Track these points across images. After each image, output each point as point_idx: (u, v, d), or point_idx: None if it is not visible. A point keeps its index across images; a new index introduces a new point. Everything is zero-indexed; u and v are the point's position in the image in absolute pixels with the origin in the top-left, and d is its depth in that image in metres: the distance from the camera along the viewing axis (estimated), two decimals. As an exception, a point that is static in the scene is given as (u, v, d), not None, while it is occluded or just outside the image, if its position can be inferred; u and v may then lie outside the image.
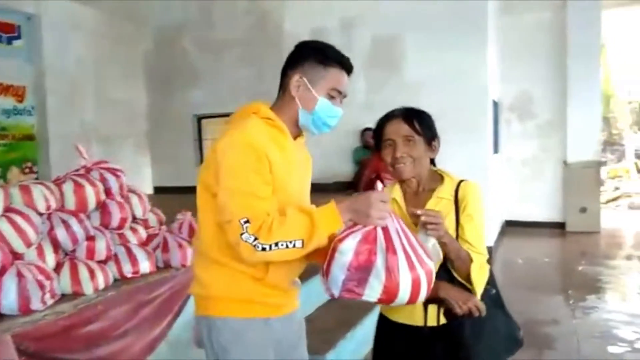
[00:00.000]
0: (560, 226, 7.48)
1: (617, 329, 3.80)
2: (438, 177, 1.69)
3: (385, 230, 1.36)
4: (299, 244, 1.34)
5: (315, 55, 1.54)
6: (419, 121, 1.63)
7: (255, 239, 1.33)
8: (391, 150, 1.62)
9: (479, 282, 1.56)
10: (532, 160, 7.74)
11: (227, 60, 7.61)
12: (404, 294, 1.34)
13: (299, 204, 1.47)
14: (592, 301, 4.48)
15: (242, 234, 1.33)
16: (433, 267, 1.40)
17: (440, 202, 1.62)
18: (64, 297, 2.04)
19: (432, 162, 1.73)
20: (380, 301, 1.35)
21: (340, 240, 1.37)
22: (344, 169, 6.33)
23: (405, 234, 1.38)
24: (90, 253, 2.25)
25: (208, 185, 1.47)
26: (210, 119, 8.05)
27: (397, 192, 1.68)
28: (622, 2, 8.21)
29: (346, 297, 1.37)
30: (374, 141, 1.72)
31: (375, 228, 1.36)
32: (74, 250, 2.22)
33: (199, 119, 8.10)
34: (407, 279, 1.32)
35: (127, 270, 2.34)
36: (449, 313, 1.58)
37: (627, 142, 11.82)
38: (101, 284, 2.17)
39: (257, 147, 1.41)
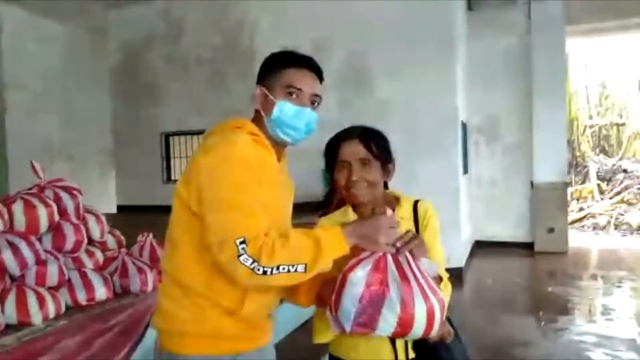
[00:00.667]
0: (528, 246, 7.55)
1: (589, 351, 3.78)
2: (392, 199, 1.62)
3: (395, 257, 1.29)
4: (301, 268, 1.24)
5: (270, 62, 1.48)
6: (376, 144, 1.54)
7: (255, 261, 1.20)
8: (346, 173, 1.53)
9: (447, 297, 1.49)
10: (500, 181, 7.84)
11: (195, 78, 7.48)
12: (419, 325, 1.25)
13: (281, 228, 1.36)
14: (563, 322, 4.47)
15: (239, 256, 1.21)
16: (443, 295, 1.33)
17: (402, 223, 1.51)
18: (7, 329, 1.85)
19: (386, 185, 1.66)
20: (394, 335, 1.28)
21: (351, 269, 1.28)
22: (315, 189, 6.24)
23: (413, 261, 1.31)
24: (41, 279, 2.07)
25: (186, 202, 1.34)
26: (177, 137, 7.86)
27: (351, 217, 1.58)
28: (585, 31, 8.50)
29: (358, 332, 1.28)
30: (325, 159, 1.60)
31: (385, 255, 1.28)
32: (22, 276, 2.05)
33: (167, 136, 7.91)
34: (422, 310, 1.25)
35: (82, 297, 2.17)
36: (418, 344, 1.50)
37: (590, 164, 12.13)
38: (52, 312, 2.00)
39: (251, 162, 1.31)
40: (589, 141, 12.99)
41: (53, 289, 2.10)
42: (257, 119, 1.47)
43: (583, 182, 11.92)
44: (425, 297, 1.25)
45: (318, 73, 1.50)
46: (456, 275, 5.79)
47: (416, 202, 1.61)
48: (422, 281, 1.28)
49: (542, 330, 4.31)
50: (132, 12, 7.62)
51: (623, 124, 13.00)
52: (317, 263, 1.25)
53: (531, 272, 6.71)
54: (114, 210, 7.65)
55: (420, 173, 5.91)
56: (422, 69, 6.04)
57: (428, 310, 1.25)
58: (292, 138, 1.46)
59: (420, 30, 6.04)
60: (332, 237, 1.28)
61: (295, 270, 1.23)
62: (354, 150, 1.52)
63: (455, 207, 6.04)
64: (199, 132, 6.83)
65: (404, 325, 1.24)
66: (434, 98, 6.04)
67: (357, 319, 1.26)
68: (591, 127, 13.13)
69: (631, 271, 6.34)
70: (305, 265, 1.24)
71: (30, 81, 7.15)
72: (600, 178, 11.79)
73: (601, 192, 11.43)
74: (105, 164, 8.39)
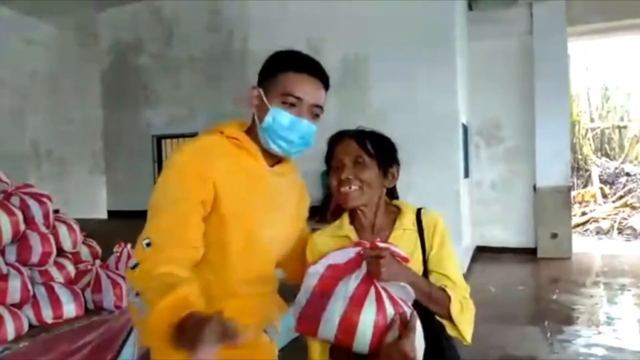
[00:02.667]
0: (531, 252, 7.34)
1: (598, 365, 3.58)
2: (394, 209, 1.45)
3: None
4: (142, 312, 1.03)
5: (270, 62, 1.31)
6: (373, 142, 1.38)
7: (136, 265, 1.09)
8: (338, 173, 1.36)
9: (464, 322, 1.32)
10: (502, 185, 7.64)
11: (187, 80, 7.29)
12: (363, 335, 1.09)
13: (270, 244, 1.28)
14: (570, 333, 4.27)
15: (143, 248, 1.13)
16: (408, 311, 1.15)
17: (404, 234, 1.37)
18: (-43, 354, 1.67)
19: (391, 194, 1.48)
20: (337, 341, 1.14)
21: (314, 262, 1.23)
22: (313, 194, 6.06)
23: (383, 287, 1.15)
24: (0, 295, 1.88)
25: None
26: (169, 140, 7.66)
27: (348, 229, 1.40)
28: (586, 32, 8.33)
29: (303, 331, 1.20)
30: (326, 166, 1.44)
31: (359, 257, 1.17)
32: (-22, 293, 1.85)
33: (159, 139, 7.71)
34: (370, 319, 1.09)
35: (47, 314, 1.98)
36: None
37: (592, 167, 11.95)
38: (11, 333, 1.81)
39: (188, 174, 1.18)
40: (590, 144, 12.82)
41: (15, 307, 1.91)
42: (254, 122, 1.35)
43: (585, 186, 11.73)
44: (380, 307, 1.10)
45: (323, 80, 1.33)
46: (457, 283, 5.61)
47: (419, 211, 1.43)
48: (383, 293, 1.12)
49: (547, 341, 4.10)
50: (122, 12, 7.44)
51: (625, 127, 12.81)
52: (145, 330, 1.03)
53: (534, 279, 6.50)
54: (104, 215, 7.44)
55: (419, 177, 5.71)
56: (421, 69, 5.85)
57: (377, 321, 1.09)
58: (283, 150, 1.31)
59: (420, 30, 5.86)
60: (160, 318, 0.99)
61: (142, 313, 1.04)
62: (346, 148, 1.37)
63: (456, 212, 5.84)
64: (191, 135, 6.61)
65: (346, 330, 1.10)
66: (433, 100, 5.85)
67: (303, 313, 1.17)
68: (593, 130, 12.95)
69: (637, 278, 6.14)
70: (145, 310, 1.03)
71: (19, 82, 6.96)
72: (603, 181, 11.61)
73: (604, 195, 11.24)
74: (95, 168, 8.18)
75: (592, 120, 13.16)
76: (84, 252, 2.44)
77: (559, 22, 7.16)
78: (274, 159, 1.36)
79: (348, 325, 1.09)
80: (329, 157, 1.40)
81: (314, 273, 1.19)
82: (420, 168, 5.73)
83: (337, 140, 1.40)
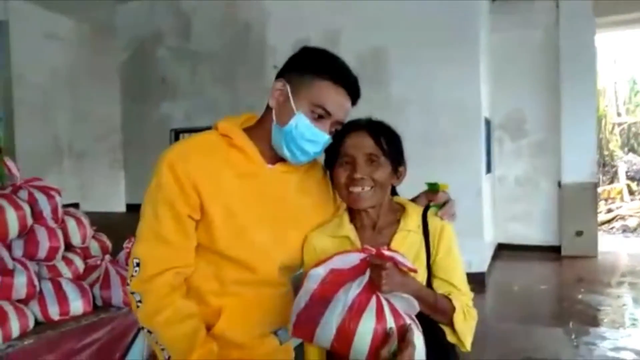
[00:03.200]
0: (555, 250, 7.13)
1: (626, 369, 3.43)
2: (398, 207, 1.35)
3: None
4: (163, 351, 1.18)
5: (307, 60, 1.22)
6: (388, 139, 1.27)
7: (139, 297, 1.16)
8: (349, 169, 1.25)
9: (465, 331, 1.25)
10: (526, 181, 7.43)
11: (205, 73, 7.23)
12: (360, 346, 1.04)
13: (269, 246, 1.23)
14: (595, 335, 4.11)
15: (130, 277, 1.17)
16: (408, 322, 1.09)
17: (408, 235, 1.28)
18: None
19: (394, 191, 1.39)
20: (332, 349, 1.08)
21: (315, 266, 1.15)
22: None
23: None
24: (6, 291, 1.84)
25: None
26: (188, 134, 7.65)
27: (348, 228, 1.30)
28: (613, 24, 8.05)
29: (298, 336, 1.16)
30: (326, 156, 1.33)
31: (367, 262, 1.10)
32: (-17, 289, 1.81)
33: (177, 133, 7.69)
34: (369, 329, 1.03)
35: (54, 311, 1.93)
36: None
37: (619, 163, 11.62)
38: (15, 330, 1.76)
39: (176, 172, 1.16)
40: (617, 140, 12.47)
41: (21, 302, 1.86)
42: (265, 118, 1.26)
43: (611, 182, 11.42)
44: (379, 318, 1.05)
45: (355, 96, 1.25)
46: (478, 281, 5.46)
47: (425, 210, 1.33)
48: (384, 303, 1.07)
49: (572, 343, 3.95)
50: (140, 7, 7.41)
51: (654, 122, 12.45)
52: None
53: (558, 278, 6.31)
54: (123, 209, 7.47)
55: (440, 172, 5.50)
56: (442, 63, 5.67)
57: (376, 331, 1.04)
58: (293, 157, 1.22)
59: (440, 22, 5.69)
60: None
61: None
62: (361, 143, 1.25)
63: (478, 208, 5.68)
64: (210, 129, 6.60)
65: (343, 338, 1.04)
66: (455, 94, 5.68)
67: (300, 316, 1.11)
68: (620, 125, 12.60)
69: (667, 278, 5.92)
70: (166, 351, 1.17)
71: (39, 77, 7.01)
72: (630, 178, 11.29)
73: (631, 192, 10.92)
74: (114, 162, 8.22)
75: (619, 114, 12.82)
76: (94, 247, 2.39)
77: (586, 12, 6.91)
78: (277, 158, 1.27)
79: (345, 333, 1.04)
80: (336, 149, 1.28)
81: (315, 276, 1.12)
82: (441, 164, 5.59)
83: (347, 131, 1.28)
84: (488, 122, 6.59)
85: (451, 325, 1.24)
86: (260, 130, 1.25)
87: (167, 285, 1.15)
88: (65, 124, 7.52)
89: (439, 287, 1.29)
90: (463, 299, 1.28)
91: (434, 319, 1.24)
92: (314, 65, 1.20)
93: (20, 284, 1.87)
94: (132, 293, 1.17)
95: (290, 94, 1.18)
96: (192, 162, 1.16)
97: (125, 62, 7.80)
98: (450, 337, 1.27)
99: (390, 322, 1.05)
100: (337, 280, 1.09)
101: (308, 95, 1.17)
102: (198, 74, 7.28)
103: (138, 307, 1.16)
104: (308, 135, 1.18)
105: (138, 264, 1.15)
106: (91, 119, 7.79)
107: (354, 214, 1.32)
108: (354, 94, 1.24)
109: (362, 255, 1.11)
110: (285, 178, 1.28)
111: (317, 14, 6.16)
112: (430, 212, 1.32)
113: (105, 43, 7.83)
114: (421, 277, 1.27)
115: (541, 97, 7.22)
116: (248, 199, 1.21)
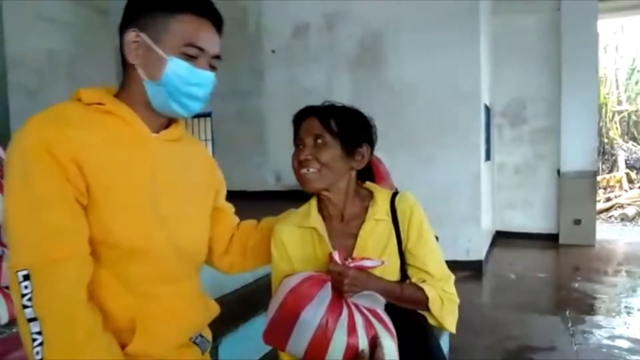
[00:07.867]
0: (553, 238, 7.13)
1: (623, 357, 3.42)
2: (366, 194, 1.33)
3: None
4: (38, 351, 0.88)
5: (155, 1, 1.03)
6: (338, 120, 1.25)
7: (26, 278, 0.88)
8: (298, 153, 1.26)
9: (446, 315, 1.25)
10: (525, 168, 7.40)
11: (203, 57, 7.15)
12: (333, 357, 1.06)
13: (171, 226, 1.06)
14: (592, 323, 4.11)
15: (27, 299, 0.88)
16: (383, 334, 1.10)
17: (377, 225, 1.27)
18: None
19: (365, 176, 1.36)
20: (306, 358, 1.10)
21: (289, 275, 1.18)
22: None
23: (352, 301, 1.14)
24: (-6, 277, 1.80)
25: None
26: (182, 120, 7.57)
27: (315, 219, 1.29)
28: (619, 8, 7.95)
29: (270, 344, 1.15)
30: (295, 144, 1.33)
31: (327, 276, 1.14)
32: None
33: (173, 118, 7.64)
34: (341, 342, 1.05)
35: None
36: None
37: (619, 151, 11.57)
38: (4, 317, 1.72)
39: (53, 153, 0.91)
40: (617, 128, 12.41)
41: (9, 289, 1.82)
42: (129, 80, 1.07)
43: (611, 171, 11.40)
44: (352, 331, 1.06)
45: (219, 24, 1.09)
46: (475, 269, 5.45)
47: (394, 197, 1.30)
48: (356, 314, 1.08)
49: (568, 331, 3.95)
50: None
51: (655, 111, 12.38)
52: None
53: (556, 266, 6.31)
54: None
55: (438, 159, 5.54)
56: (442, 47, 5.60)
57: (349, 343, 1.05)
58: (188, 111, 1.08)
59: (441, 5, 5.60)
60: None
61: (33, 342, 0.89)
62: (308, 125, 1.26)
63: (476, 195, 5.65)
64: (205, 115, 6.54)
65: (316, 349, 1.06)
66: (454, 79, 5.61)
67: (272, 321, 1.12)
68: (620, 113, 12.52)
69: (665, 267, 5.91)
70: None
71: (34, 60, 6.91)
72: (629, 166, 11.27)
73: (630, 181, 10.90)
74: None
75: (619, 102, 12.73)
76: None
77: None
78: (160, 124, 1.10)
79: (319, 345, 1.03)
80: (295, 136, 1.29)
81: (287, 284, 1.12)
82: (439, 150, 5.55)
83: (301, 117, 1.29)
84: (488, 109, 6.53)
85: (429, 312, 1.25)
86: (128, 95, 1.06)
87: (76, 273, 0.93)
88: (61, 108, 7.46)
89: (414, 275, 1.28)
90: (439, 284, 1.26)
91: (411, 308, 1.25)
92: (166, 2, 1.02)
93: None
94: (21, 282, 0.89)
95: (151, 42, 1.01)
96: (67, 134, 0.94)
97: (119, 45, 7.70)
98: (431, 321, 1.27)
99: (363, 338, 1.05)
100: (307, 292, 1.09)
101: (172, 37, 1.01)
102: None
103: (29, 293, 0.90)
104: (192, 79, 1.03)
105: (27, 276, 0.88)
106: (87, 103, 7.72)
107: (322, 204, 1.31)
108: (219, 22, 1.08)
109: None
110: (173, 147, 1.12)
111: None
112: (398, 197, 1.30)
113: (101, 26, 7.72)
114: (393, 266, 1.26)
115: (542, 84, 7.15)
116: (138, 172, 1.02)
